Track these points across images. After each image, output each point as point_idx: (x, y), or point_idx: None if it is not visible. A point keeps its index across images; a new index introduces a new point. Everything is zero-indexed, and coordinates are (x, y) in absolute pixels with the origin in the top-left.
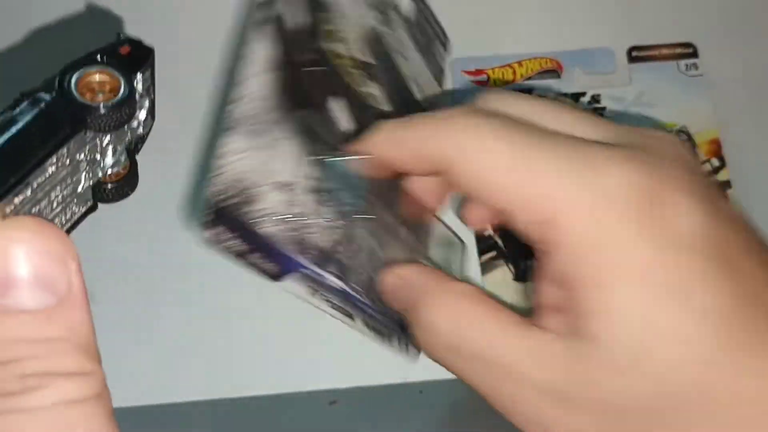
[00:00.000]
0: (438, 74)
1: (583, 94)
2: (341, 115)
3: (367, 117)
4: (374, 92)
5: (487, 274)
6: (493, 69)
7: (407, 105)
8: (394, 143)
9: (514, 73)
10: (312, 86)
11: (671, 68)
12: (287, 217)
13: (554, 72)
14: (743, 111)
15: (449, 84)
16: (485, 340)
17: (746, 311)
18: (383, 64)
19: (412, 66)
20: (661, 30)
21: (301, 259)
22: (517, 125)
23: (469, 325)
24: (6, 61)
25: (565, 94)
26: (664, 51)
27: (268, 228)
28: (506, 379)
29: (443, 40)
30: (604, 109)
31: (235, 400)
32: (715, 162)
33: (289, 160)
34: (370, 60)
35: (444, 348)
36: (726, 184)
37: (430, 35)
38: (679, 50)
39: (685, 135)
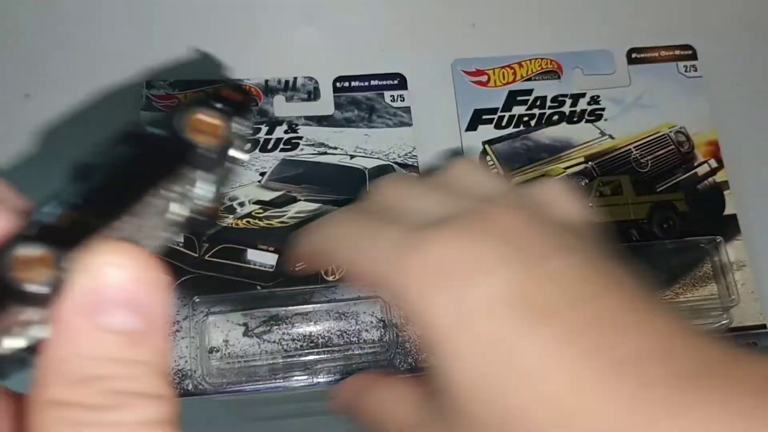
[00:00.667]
0: None
1: (583, 95)
2: None
3: None
4: None
5: None
6: (493, 69)
7: None
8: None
9: (515, 73)
10: None
11: (670, 70)
12: None
13: (554, 73)
14: (741, 113)
15: (450, 84)
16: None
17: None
18: None
19: None
20: (660, 32)
21: None
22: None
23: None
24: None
25: (565, 95)
26: (664, 53)
27: None
28: None
29: None
30: (603, 110)
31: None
32: (713, 163)
33: None
34: None
35: None
36: (724, 185)
37: None
38: (678, 52)
39: (683, 136)
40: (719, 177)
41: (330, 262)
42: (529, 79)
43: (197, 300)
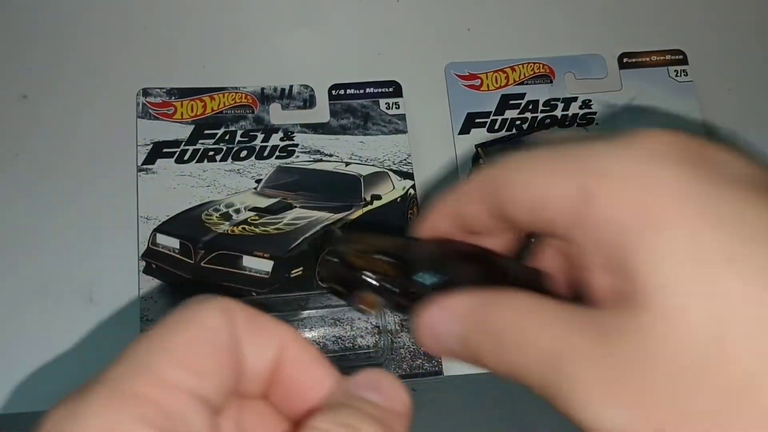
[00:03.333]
0: None
1: (575, 99)
2: None
3: None
4: None
5: None
6: (486, 73)
7: None
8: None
9: (507, 77)
10: None
11: (661, 74)
12: None
13: (546, 77)
14: (732, 116)
15: (442, 87)
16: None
17: None
18: None
19: None
20: (651, 37)
21: None
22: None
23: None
24: None
25: (557, 99)
26: (655, 57)
27: None
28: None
29: None
30: (595, 113)
31: None
32: None
33: None
34: None
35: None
36: None
37: None
38: (669, 57)
39: None
40: None
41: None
42: (522, 83)
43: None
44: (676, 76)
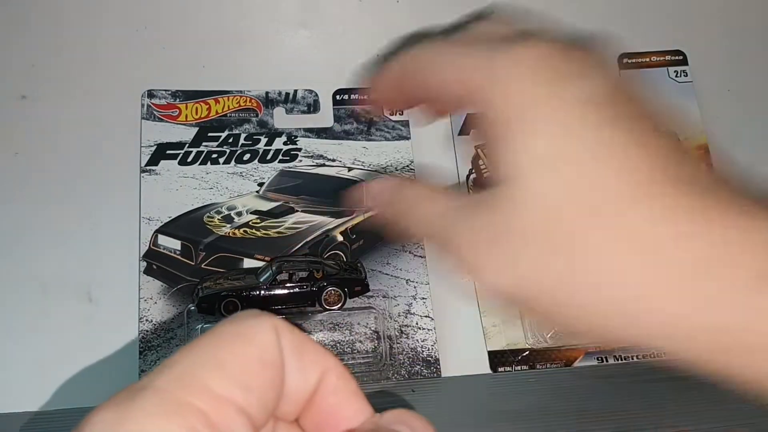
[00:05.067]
0: None
1: None
2: None
3: None
4: None
5: None
6: None
7: None
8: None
9: None
10: None
11: (661, 75)
12: None
13: None
14: (731, 117)
15: None
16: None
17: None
18: None
19: None
20: (651, 38)
21: None
22: None
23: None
24: None
25: None
26: (654, 58)
27: None
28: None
29: None
30: None
31: None
32: (703, 167)
33: None
34: None
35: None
36: None
37: None
38: (668, 57)
39: None
40: None
41: (416, 86)
42: None
43: (192, 308)
44: (676, 76)
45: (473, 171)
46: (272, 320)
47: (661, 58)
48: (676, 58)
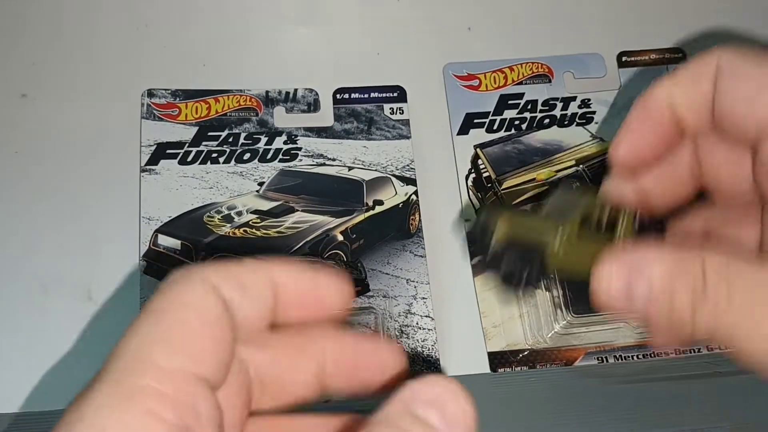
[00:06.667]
0: None
1: (574, 98)
2: None
3: None
4: None
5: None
6: (484, 74)
7: None
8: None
9: (506, 77)
10: None
11: (661, 73)
12: None
13: (545, 76)
14: None
15: (441, 88)
16: None
17: None
18: None
19: None
20: (650, 35)
21: None
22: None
23: None
24: None
25: (556, 99)
26: (653, 56)
27: None
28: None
29: None
30: (594, 113)
31: None
32: None
33: None
34: None
35: None
36: None
37: None
38: (667, 55)
39: None
40: None
41: None
42: (521, 83)
43: None
44: None
45: (473, 171)
46: (201, 274)
47: (660, 56)
48: (676, 56)
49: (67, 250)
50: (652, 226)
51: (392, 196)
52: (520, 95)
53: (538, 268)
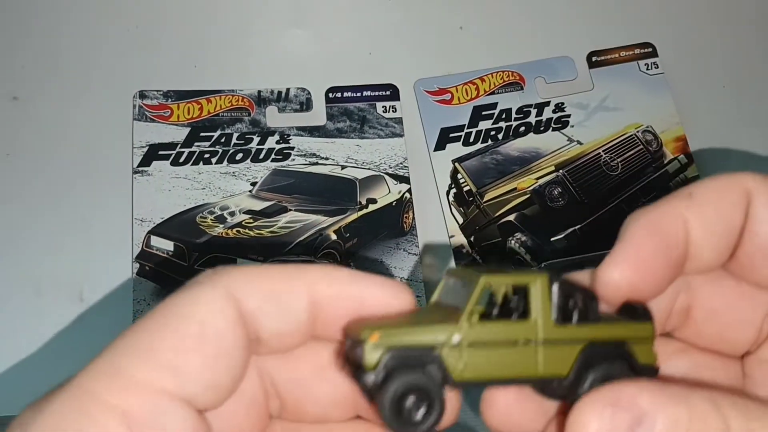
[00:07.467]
0: None
1: (548, 103)
2: None
3: None
4: None
5: None
6: (456, 87)
7: None
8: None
9: (477, 89)
10: None
11: (632, 69)
12: None
13: (517, 84)
14: (706, 106)
15: (414, 105)
16: None
17: None
18: None
19: None
20: (618, 32)
21: None
22: None
23: None
24: None
25: (530, 106)
26: (624, 53)
27: None
28: None
29: None
30: (569, 116)
31: None
32: (683, 159)
33: None
34: None
35: None
36: (695, 180)
37: None
38: (638, 51)
39: (651, 134)
40: (690, 172)
41: None
42: (493, 93)
43: None
44: (647, 69)
45: (453, 186)
46: (225, 280)
47: (631, 52)
48: (646, 50)
49: (60, 252)
50: (579, 296)
51: (385, 195)
52: (494, 105)
53: (435, 400)
